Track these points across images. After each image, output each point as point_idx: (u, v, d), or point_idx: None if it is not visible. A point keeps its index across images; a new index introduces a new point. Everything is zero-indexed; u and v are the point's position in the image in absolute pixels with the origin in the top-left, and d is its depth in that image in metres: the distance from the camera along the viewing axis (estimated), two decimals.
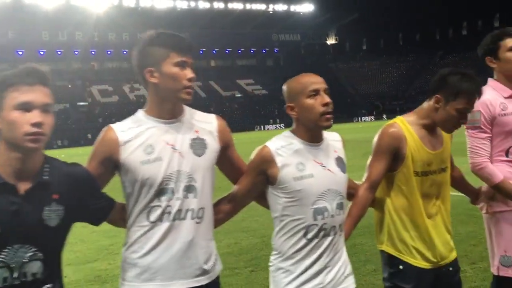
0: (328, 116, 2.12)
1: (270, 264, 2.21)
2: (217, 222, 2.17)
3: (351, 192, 2.39)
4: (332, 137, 2.30)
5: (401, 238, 2.42)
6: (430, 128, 2.45)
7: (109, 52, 76.33)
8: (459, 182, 2.80)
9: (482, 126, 2.74)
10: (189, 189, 1.99)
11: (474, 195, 2.86)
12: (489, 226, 2.88)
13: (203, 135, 2.08)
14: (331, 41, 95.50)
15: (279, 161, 2.11)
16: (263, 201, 2.25)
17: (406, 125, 2.42)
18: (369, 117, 69.05)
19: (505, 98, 2.79)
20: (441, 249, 2.44)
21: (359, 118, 68.05)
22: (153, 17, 72.24)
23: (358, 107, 70.60)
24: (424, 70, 79.94)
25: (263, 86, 79.36)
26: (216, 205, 2.17)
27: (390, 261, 2.45)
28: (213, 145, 2.10)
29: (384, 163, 2.39)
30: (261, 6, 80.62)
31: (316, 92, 2.11)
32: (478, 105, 2.62)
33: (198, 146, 2.04)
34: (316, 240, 2.12)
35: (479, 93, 2.37)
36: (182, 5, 75.10)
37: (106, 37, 73.95)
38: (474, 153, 2.78)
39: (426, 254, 2.42)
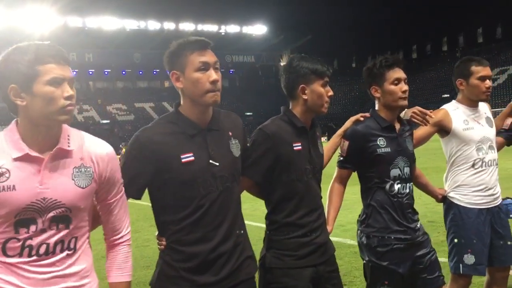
0: None
1: None
2: None
3: None
4: None
5: None
6: None
7: None
8: None
9: None
10: None
11: None
12: None
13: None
14: (284, 62, 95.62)
15: None
16: None
17: None
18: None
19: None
20: None
21: None
22: (102, 37, 70.95)
23: None
24: None
25: (219, 107, 77.84)
26: None
27: None
28: None
29: None
30: (213, 28, 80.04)
31: None
32: None
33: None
34: None
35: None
36: (132, 25, 73.85)
37: None
38: None
39: None
